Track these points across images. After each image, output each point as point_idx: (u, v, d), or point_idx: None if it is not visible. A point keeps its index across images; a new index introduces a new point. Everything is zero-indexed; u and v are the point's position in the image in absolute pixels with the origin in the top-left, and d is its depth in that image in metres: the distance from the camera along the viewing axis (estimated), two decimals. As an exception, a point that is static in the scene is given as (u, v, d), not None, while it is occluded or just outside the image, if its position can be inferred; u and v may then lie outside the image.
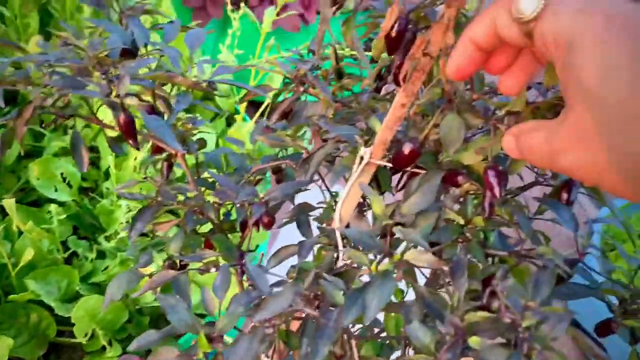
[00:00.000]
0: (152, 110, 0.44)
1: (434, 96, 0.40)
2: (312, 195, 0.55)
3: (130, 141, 0.43)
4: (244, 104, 0.89)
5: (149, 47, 0.48)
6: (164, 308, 0.41)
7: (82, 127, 1.07)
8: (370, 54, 0.55)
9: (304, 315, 0.42)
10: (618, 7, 0.26)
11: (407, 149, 0.41)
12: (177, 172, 0.68)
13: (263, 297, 0.38)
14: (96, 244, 0.94)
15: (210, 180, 0.57)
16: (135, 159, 0.93)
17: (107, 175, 1.04)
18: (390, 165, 0.47)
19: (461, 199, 0.43)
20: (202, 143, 0.53)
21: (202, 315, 0.84)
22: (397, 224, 0.42)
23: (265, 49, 0.87)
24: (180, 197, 0.52)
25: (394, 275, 0.36)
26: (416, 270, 0.46)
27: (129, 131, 0.42)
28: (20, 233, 0.88)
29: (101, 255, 0.96)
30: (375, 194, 0.42)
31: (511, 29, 0.30)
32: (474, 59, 0.35)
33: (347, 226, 0.51)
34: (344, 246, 0.47)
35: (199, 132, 0.53)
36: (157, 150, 0.56)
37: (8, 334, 0.80)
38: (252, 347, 0.37)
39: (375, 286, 0.35)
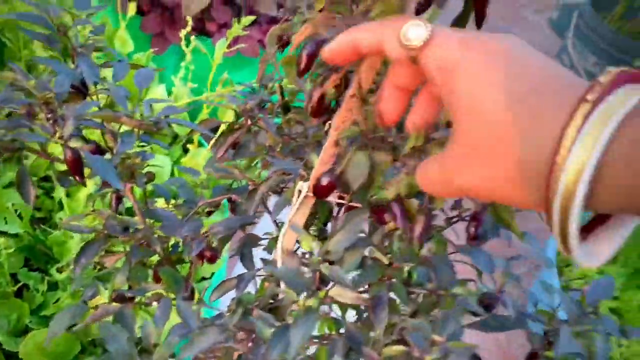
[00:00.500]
0: (97, 149, 0.45)
1: (353, 134, 0.43)
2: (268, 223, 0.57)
3: (77, 178, 0.44)
4: (223, 150, 0.90)
5: (99, 86, 0.49)
6: (104, 337, 0.42)
7: (36, 157, 1.06)
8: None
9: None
10: (493, 40, 0.30)
11: (324, 181, 0.43)
12: (128, 203, 0.69)
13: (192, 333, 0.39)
14: (48, 275, 0.93)
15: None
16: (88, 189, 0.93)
17: (61, 205, 1.03)
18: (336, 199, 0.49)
19: (387, 236, 0.45)
20: (151, 176, 0.54)
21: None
22: (329, 260, 0.44)
23: (219, 82, 0.89)
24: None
25: (318, 312, 0.38)
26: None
27: (75, 168, 0.42)
28: (-31, 265, 0.86)
29: (53, 287, 0.94)
30: (304, 232, 0.44)
31: (399, 52, 0.32)
32: (397, 99, 0.37)
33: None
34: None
35: (148, 165, 0.54)
36: (106, 183, 0.57)
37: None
38: None
39: (299, 323, 0.37)
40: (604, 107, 0.25)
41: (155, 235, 0.52)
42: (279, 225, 0.57)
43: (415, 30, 0.31)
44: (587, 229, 0.30)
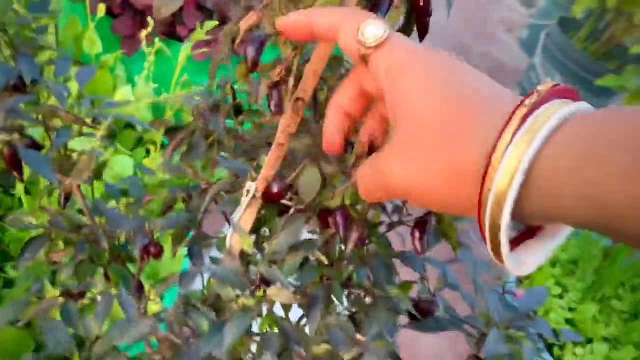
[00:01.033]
0: (34, 144, 0.45)
1: (303, 147, 0.44)
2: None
3: (16, 173, 0.44)
4: (160, 134, 0.91)
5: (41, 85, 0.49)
6: (43, 331, 0.42)
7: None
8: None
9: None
10: (440, 53, 0.31)
11: (275, 188, 0.44)
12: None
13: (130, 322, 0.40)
14: (3, 272, 0.92)
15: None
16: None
17: (21, 202, 1.02)
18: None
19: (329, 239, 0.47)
20: (98, 174, 0.55)
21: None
22: (273, 261, 0.45)
23: (179, 83, 0.90)
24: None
25: (255, 311, 0.39)
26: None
27: (13, 164, 0.43)
28: None
29: (10, 284, 0.93)
30: (245, 233, 0.45)
31: (351, 46, 0.33)
32: (341, 123, 0.37)
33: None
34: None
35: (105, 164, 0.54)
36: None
37: None
38: None
39: (234, 320, 0.38)
40: (540, 112, 0.26)
41: (101, 232, 0.53)
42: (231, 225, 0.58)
43: (373, 29, 0.32)
44: (518, 241, 0.31)
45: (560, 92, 0.28)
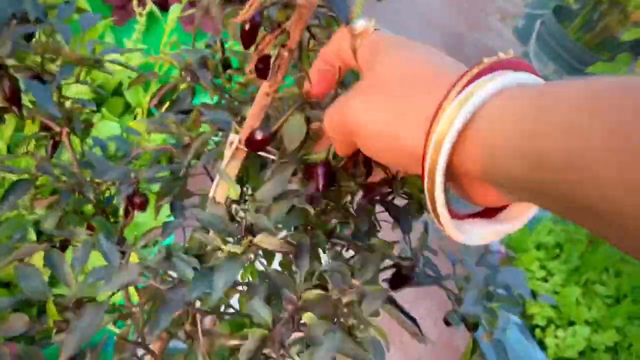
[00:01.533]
0: (36, 76, 0.45)
1: (291, 95, 0.44)
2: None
3: (15, 109, 0.44)
4: (148, 98, 0.91)
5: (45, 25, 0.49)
6: (18, 276, 0.42)
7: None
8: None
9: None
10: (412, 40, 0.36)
11: (258, 135, 0.44)
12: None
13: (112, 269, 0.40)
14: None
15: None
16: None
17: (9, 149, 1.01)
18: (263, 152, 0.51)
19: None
20: (89, 124, 0.55)
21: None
22: (258, 210, 0.46)
23: (167, 44, 0.90)
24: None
25: (242, 259, 0.39)
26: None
27: (13, 99, 0.43)
28: None
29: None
30: (231, 180, 0.45)
31: (346, 43, 0.38)
32: (327, 75, 0.41)
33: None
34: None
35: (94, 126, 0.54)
36: (44, 128, 0.57)
37: None
38: (97, 317, 0.39)
39: (223, 268, 0.38)
40: (482, 80, 0.28)
41: (88, 181, 0.53)
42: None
43: (362, 23, 0.37)
44: (471, 217, 0.33)
45: (512, 64, 0.30)
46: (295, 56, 0.46)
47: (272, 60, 0.47)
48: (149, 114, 0.95)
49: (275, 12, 0.47)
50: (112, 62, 0.52)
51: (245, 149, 0.50)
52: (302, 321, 0.39)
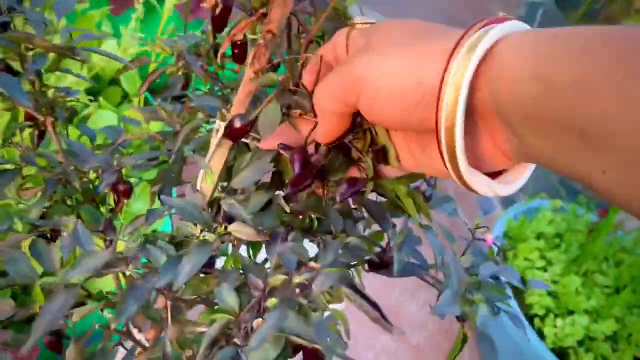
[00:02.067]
0: (7, 69, 0.45)
1: (269, 81, 0.43)
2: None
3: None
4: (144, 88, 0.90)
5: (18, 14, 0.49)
6: (5, 261, 0.42)
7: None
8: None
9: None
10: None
11: (237, 123, 0.43)
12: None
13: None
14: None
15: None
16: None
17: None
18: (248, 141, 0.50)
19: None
20: (72, 112, 0.54)
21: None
22: (234, 196, 0.45)
23: (165, 32, 0.89)
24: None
25: (213, 245, 0.39)
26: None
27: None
28: None
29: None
30: (208, 168, 0.44)
31: (342, 38, 0.39)
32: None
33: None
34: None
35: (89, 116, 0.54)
36: (28, 118, 0.57)
37: None
38: (67, 301, 0.39)
39: (191, 254, 0.38)
40: (485, 30, 0.30)
41: (74, 170, 0.53)
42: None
43: (362, 18, 0.39)
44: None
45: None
46: (279, 41, 0.45)
47: (248, 46, 0.46)
48: (146, 102, 0.94)
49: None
50: (89, 50, 0.51)
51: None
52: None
